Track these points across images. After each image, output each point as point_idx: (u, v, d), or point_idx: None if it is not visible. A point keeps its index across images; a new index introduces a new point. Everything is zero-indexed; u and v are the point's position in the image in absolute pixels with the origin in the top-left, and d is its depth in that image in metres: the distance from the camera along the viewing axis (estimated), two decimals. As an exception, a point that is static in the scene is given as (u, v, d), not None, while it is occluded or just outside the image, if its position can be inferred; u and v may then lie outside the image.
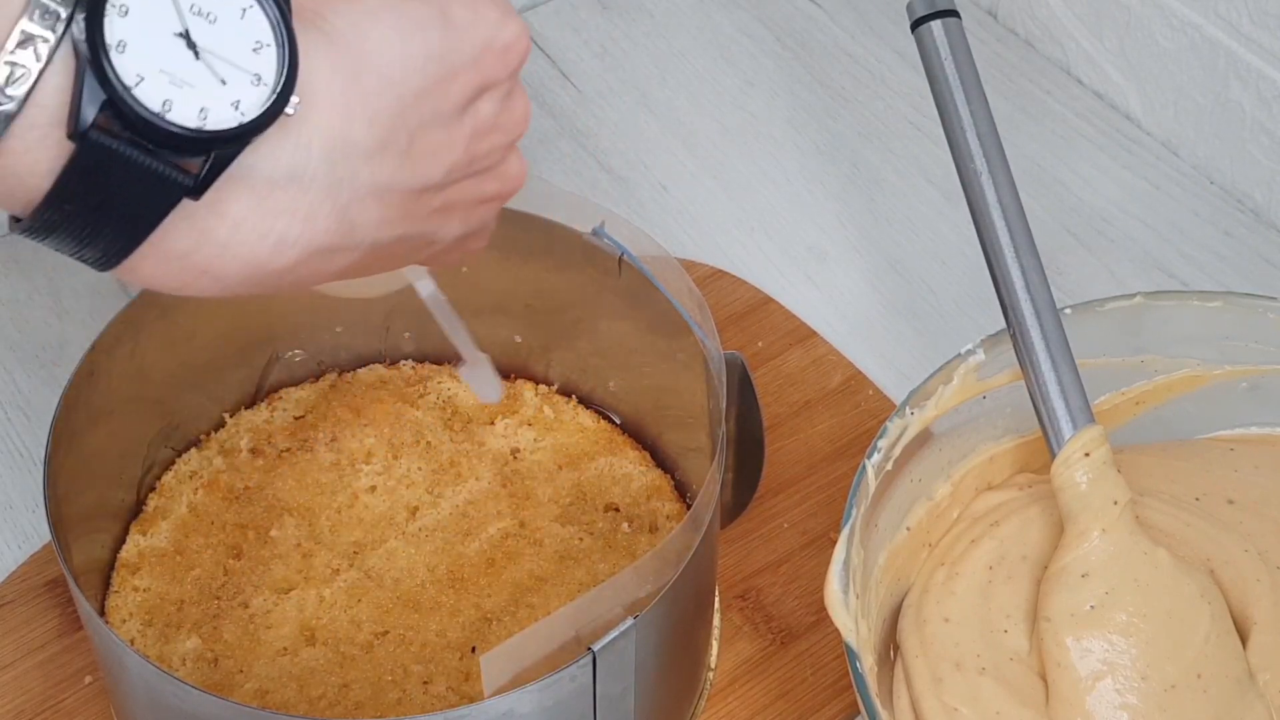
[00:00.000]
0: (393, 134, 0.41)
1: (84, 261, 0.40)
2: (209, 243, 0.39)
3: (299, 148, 0.39)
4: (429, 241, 0.46)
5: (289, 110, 0.39)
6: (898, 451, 0.59)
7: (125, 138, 0.37)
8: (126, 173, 0.37)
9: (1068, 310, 0.61)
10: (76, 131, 0.37)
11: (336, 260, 0.42)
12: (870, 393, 0.76)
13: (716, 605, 0.68)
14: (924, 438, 0.60)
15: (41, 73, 0.37)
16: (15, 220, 0.40)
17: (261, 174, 0.39)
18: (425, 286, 0.61)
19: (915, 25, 0.63)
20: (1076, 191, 0.86)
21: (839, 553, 0.55)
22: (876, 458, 0.58)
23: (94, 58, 0.36)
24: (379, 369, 0.73)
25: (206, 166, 0.38)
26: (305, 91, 0.39)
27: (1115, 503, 0.58)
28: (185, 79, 0.38)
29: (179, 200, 0.38)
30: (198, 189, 0.38)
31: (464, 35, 0.43)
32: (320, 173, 0.40)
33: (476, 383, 0.64)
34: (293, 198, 0.39)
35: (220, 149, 0.38)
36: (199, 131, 0.38)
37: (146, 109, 0.37)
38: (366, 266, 0.44)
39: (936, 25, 0.62)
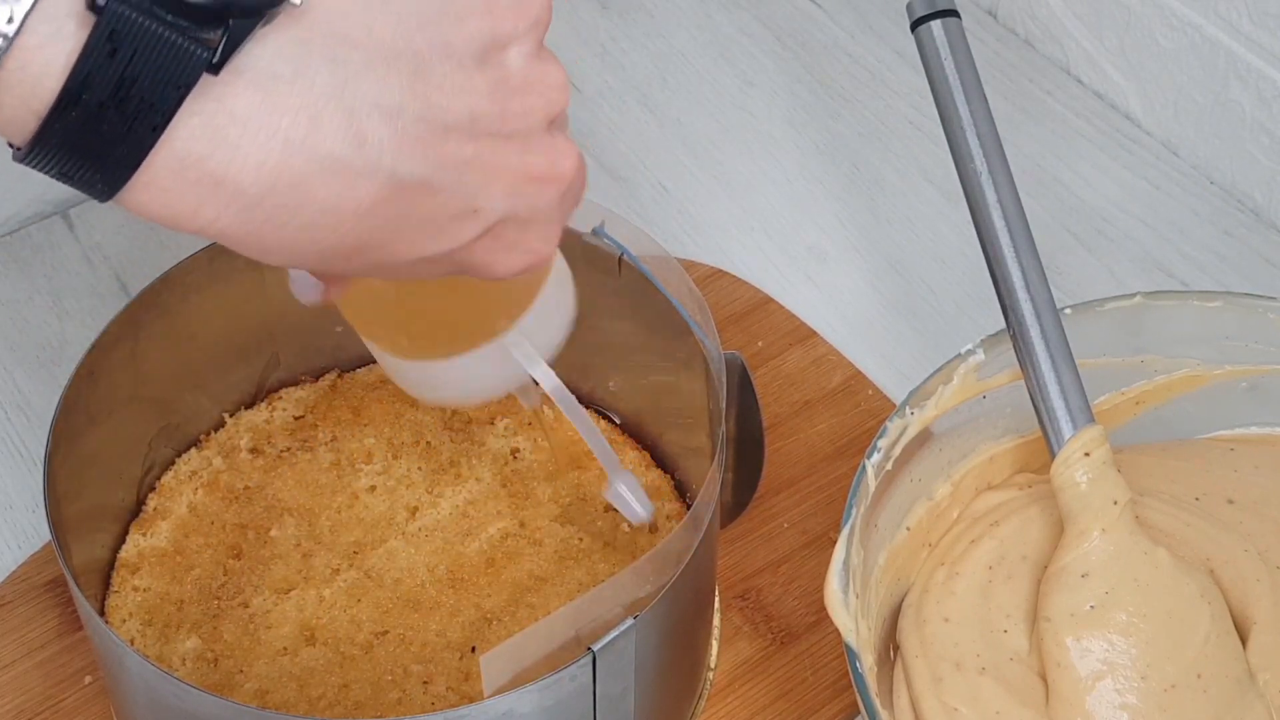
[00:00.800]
0: (395, 52, 0.41)
1: (90, 186, 0.39)
2: (222, 144, 0.39)
3: (301, 44, 0.40)
4: (470, 206, 0.44)
5: (296, 0, 0.39)
6: (898, 451, 0.59)
7: (144, 7, 0.37)
8: (146, 46, 0.38)
9: (1068, 310, 0.61)
10: (94, 2, 0.37)
11: (357, 188, 0.41)
12: (870, 393, 0.76)
13: (716, 605, 0.68)
14: (924, 438, 0.60)
15: None
16: (17, 149, 0.39)
17: (267, 69, 0.39)
18: (546, 376, 0.55)
19: (915, 25, 0.63)
20: (1076, 191, 0.86)
21: (839, 553, 0.55)
22: (876, 458, 0.58)
23: None
24: (379, 369, 0.73)
25: (224, 39, 0.38)
26: None
27: (1115, 502, 0.58)
28: None
29: (199, 76, 0.38)
30: (217, 64, 0.38)
31: None
32: (323, 72, 0.40)
33: (624, 502, 0.58)
34: (297, 94, 0.39)
35: (237, 18, 0.38)
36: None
37: None
38: (401, 218, 0.43)
39: (936, 25, 0.62)
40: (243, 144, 0.39)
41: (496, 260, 0.46)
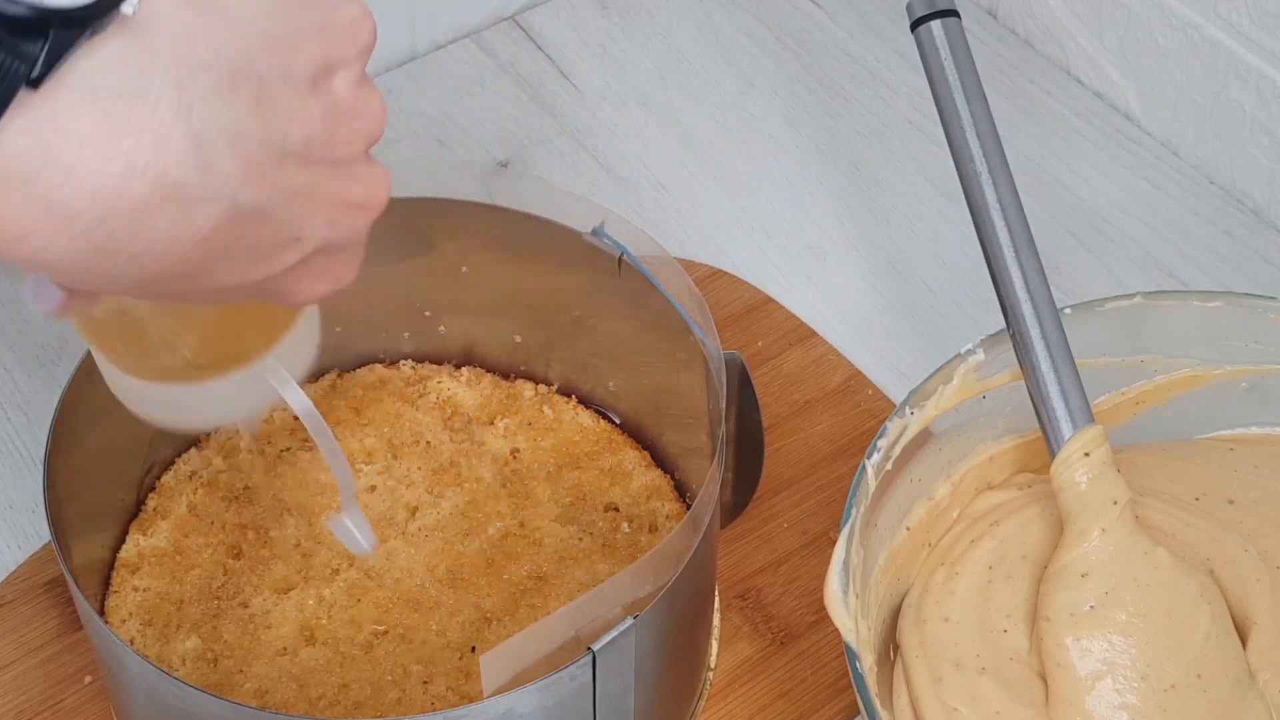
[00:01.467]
0: (241, 75, 0.39)
1: None
2: (52, 164, 0.36)
3: (143, 64, 0.38)
4: (294, 235, 0.43)
5: (127, 9, 0.37)
6: (897, 451, 0.59)
7: None
8: None
9: (1067, 310, 0.61)
10: None
11: (198, 215, 0.39)
12: (870, 393, 0.76)
13: (716, 605, 0.68)
14: (924, 437, 0.60)
15: None
16: None
17: (105, 87, 0.37)
18: (297, 398, 0.52)
19: (915, 25, 0.63)
20: (1076, 191, 0.86)
21: (839, 552, 0.55)
22: (876, 457, 0.58)
23: None
24: (379, 369, 0.73)
25: (44, 51, 0.36)
26: (147, 7, 0.38)
27: (1115, 502, 0.58)
28: None
29: (16, 89, 0.36)
30: (37, 79, 0.36)
31: (306, 1, 0.42)
32: (168, 93, 0.38)
33: (347, 532, 0.56)
34: (141, 115, 0.37)
35: (58, 31, 0.36)
36: (34, 8, 0.35)
37: None
38: (231, 246, 0.41)
39: (936, 25, 0.62)
40: (77, 166, 0.37)
41: (301, 287, 0.45)
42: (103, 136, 0.37)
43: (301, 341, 0.53)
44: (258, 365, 0.52)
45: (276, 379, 0.52)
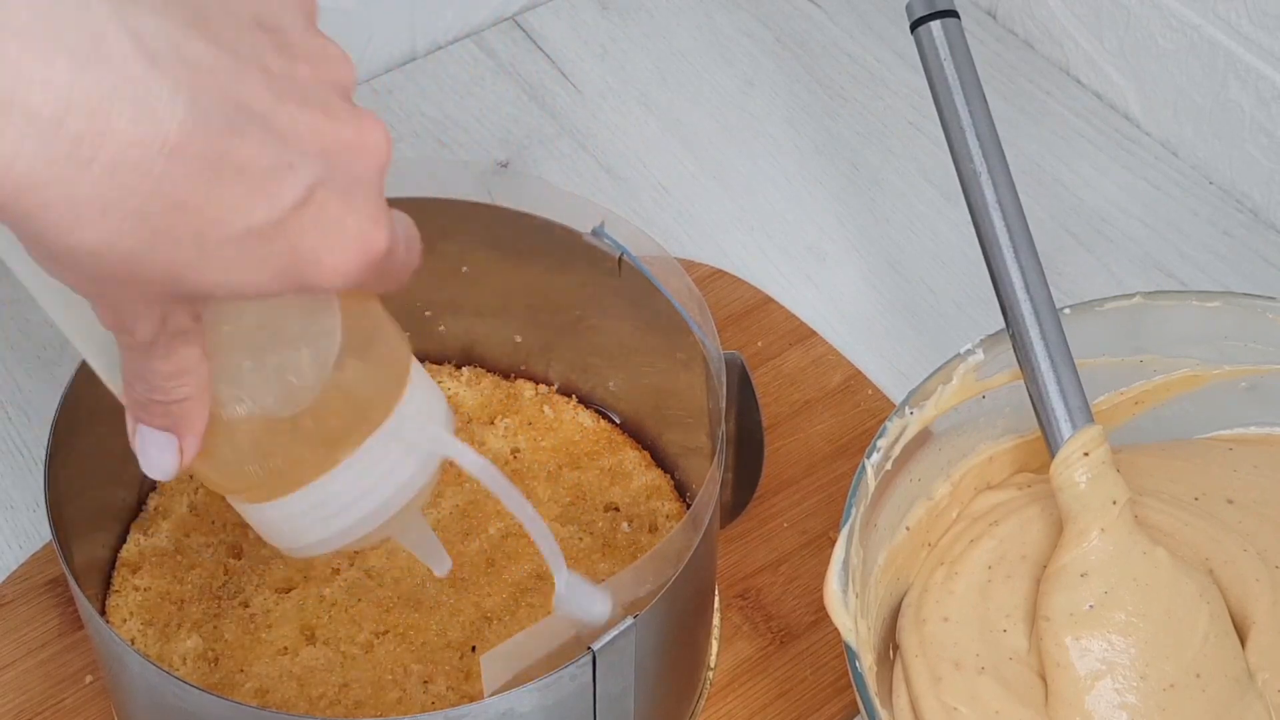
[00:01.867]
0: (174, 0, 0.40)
1: None
2: (0, 61, 0.37)
3: None
4: (284, 160, 0.42)
5: None
6: (897, 451, 0.59)
7: None
8: None
9: (1067, 310, 0.61)
10: None
11: (157, 116, 0.39)
12: (870, 392, 0.76)
13: (716, 605, 0.68)
14: (923, 437, 0.60)
15: None
16: None
17: None
18: (462, 451, 0.47)
19: (915, 26, 0.63)
20: (1076, 191, 0.86)
21: (838, 552, 0.55)
22: (876, 457, 0.58)
23: None
24: (379, 369, 0.73)
25: None
26: None
27: (1114, 502, 0.58)
28: None
29: None
30: None
31: None
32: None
33: (570, 604, 0.51)
34: (75, 13, 0.38)
35: None
36: None
37: None
38: (212, 164, 0.40)
39: (936, 26, 0.62)
40: (24, 60, 0.37)
41: (328, 244, 0.43)
42: (43, 32, 0.37)
43: (427, 397, 0.48)
44: (389, 428, 0.47)
45: (422, 433, 0.47)
